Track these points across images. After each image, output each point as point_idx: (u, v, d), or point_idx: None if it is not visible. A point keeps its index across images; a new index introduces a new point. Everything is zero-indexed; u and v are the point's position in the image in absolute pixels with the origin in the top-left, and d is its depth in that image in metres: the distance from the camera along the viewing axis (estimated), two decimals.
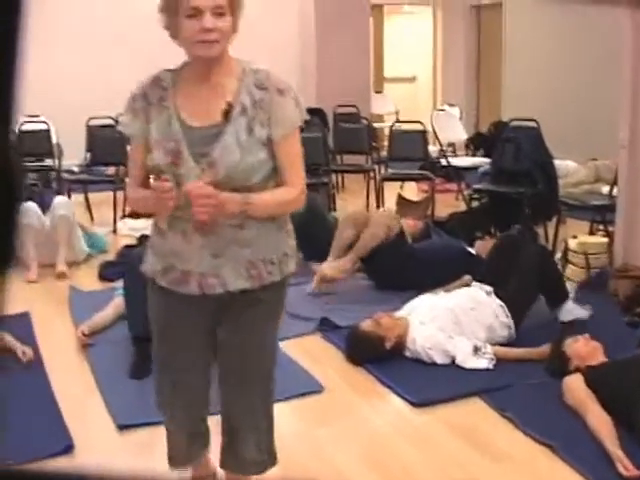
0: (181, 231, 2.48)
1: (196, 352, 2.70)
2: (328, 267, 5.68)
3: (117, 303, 5.06)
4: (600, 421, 3.49)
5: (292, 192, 2.51)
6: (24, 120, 9.10)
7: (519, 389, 4.06)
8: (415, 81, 15.53)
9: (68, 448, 3.52)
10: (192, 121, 2.46)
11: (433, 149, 9.66)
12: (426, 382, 4.20)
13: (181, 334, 2.65)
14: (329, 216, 6.87)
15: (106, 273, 6.29)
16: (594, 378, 3.73)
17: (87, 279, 6.34)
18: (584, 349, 4.02)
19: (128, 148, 2.67)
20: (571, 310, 4.94)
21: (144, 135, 2.50)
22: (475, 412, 3.90)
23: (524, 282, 4.77)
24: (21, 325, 5.06)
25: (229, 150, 2.41)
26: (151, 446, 3.56)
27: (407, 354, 4.45)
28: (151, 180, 2.58)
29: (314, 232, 5.80)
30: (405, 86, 15.26)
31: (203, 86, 2.47)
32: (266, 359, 2.72)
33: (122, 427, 3.76)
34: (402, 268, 5.68)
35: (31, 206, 6.57)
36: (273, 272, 2.55)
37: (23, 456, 3.27)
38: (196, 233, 2.46)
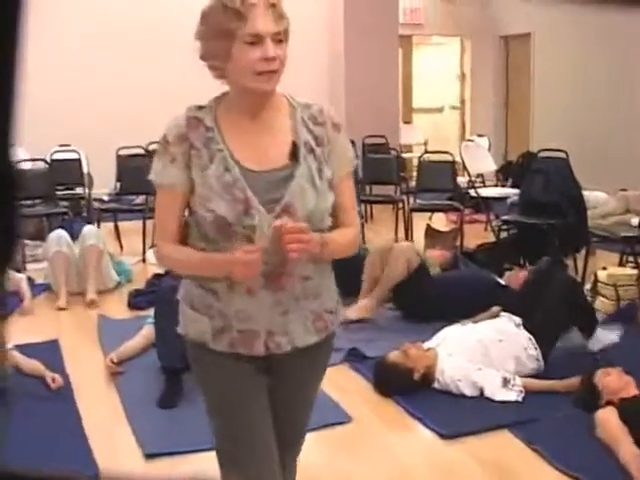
0: (246, 288, 2.17)
1: (264, 410, 2.34)
2: (353, 310, 5.66)
3: (146, 332, 5.07)
4: (633, 456, 3.44)
5: (352, 232, 2.33)
6: (55, 149, 9.23)
7: (547, 422, 4.02)
8: (443, 112, 15.55)
9: (94, 476, 3.51)
10: (250, 164, 2.16)
11: (462, 180, 9.66)
12: (454, 414, 4.18)
13: (249, 399, 2.32)
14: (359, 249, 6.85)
15: (135, 302, 6.33)
16: (628, 412, 3.69)
17: (116, 307, 6.38)
18: (617, 383, 3.98)
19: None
20: (600, 338, 4.89)
21: (186, 183, 2.17)
22: (503, 445, 3.87)
23: (552, 313, 4.73)
24: (50, 352, 5.10)
25: (304, 194, 2.16)
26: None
27: (435, 385, 4.43)
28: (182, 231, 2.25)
29: (345, 267, 5.75)
30: (434, 116, 15.28)
31: (252, 123, 2.20)
32: (312, 409, 2.53)
33: (149, 456, 3.76)
34: (428, 300, 5.67)
35: (62, 233, 6.65)
36: (334, 322, 2.36)
37: None
38: (265, 290, 2.17)
